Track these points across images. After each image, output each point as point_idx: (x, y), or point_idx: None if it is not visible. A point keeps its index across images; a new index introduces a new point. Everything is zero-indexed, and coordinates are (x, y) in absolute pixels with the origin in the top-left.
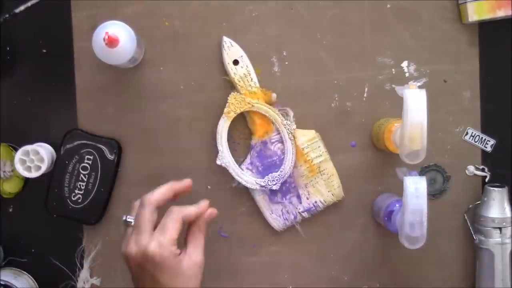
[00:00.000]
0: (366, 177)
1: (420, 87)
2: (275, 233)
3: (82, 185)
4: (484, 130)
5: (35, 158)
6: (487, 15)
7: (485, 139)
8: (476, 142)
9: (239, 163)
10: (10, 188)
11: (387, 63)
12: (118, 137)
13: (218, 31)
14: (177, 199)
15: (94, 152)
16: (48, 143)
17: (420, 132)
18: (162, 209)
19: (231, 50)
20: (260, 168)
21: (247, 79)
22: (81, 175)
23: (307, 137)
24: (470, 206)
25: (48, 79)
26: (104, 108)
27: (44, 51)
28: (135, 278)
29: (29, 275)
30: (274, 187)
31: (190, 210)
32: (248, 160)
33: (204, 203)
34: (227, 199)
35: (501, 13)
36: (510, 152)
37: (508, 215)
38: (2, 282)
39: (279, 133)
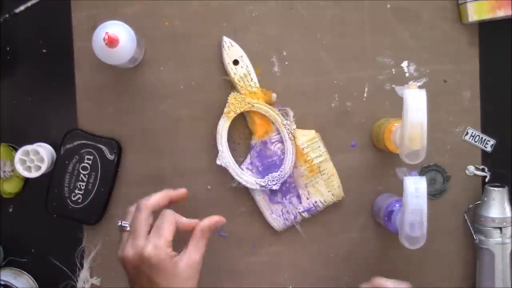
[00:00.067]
0: (366, 177)
1: (420, 87)
2: (275, 233)
3: (82, 185)
4: (484, 130)
5: (35, 158)
6: (487, 15)
7: (485, 139)
8: (476, 142)
9: (239, 163)
10: (10, 188)
11: (387, 63)
12: (118, 137)
13: (218, 31)
14: (171, 205)
15: (94, 152)
16: (48, 143)
17: (420, 132)
18: (156, 214)
19: (231, 50)
20: (260, 168)
21: (247, 79)
22: (81, 175)
23: (307, 137)
24: (470, 206)
25: (48, 79)
26: (104, 108)
27: (44, 51)
28: (132, 281)
29: (29, 275)
30: (274, 187)
31: (184, 219)
32: (248, 160)
33: (196, 222)
34: (227, 199)
35: (501, 13)
36: (510, 152)
37: (508, 215)
38: (2, 282)
39: (279, 133)
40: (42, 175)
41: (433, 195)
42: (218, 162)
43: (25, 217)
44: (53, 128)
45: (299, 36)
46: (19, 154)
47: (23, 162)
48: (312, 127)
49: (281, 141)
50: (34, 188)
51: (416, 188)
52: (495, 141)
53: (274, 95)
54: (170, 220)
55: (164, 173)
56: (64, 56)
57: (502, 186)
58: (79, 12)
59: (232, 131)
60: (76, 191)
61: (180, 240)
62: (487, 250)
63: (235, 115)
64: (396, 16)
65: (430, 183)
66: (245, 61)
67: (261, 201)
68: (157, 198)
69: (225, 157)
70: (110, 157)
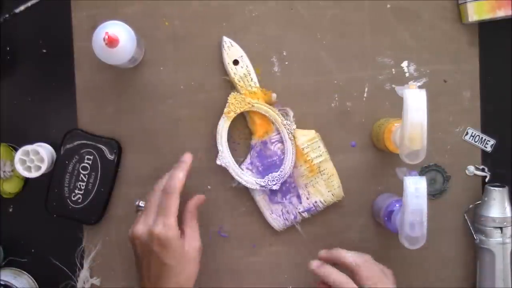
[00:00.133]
0: (366, 177)
1: (420, 87)
2: (275, 233)
3: (82, 185)
4: (484, 130)
5: (35, 158)
6: (487, 15)
7: (485, 139)
8: (476, 142)
9: (239, 163)
10: (10, 188)
11: (387, 63)
12: (118, 137)
13: (218, 31)
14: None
15: (94, 152)
16: (48, 143)
17: (420, 132)
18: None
19: (231, 50)
20: (260, 168)
21: (247, 79)
22: (81, 175)
23: (307, 137)
24: (471, 206)
25: (48, 79)
26: (104, 108)
27: (44, 51)
28: (140, 261)
29: (29, 275)
30: (274, 187)
31: (179, 180)
32: (248, 160)
33: (187, 159)
34: (227, 199)
35: (501, 13)
36: (510, 152)
37: (509, 214)
38: (2, 282)
39: (279, 133)
40: (42, 175)
41: (433, 195)
42: (218, 162)
43: (25, 217)
44: (53, 128)
45: (299, 36)
46: (19, 154)
47: (23, 162)
48: (312, 127)
49: (281, 141)
50: (34, 188)
51: (416, 188)
52: (495, 141)
53: (274, 95)
54: (175, 196)
55: (164, 173)
56: (64, 56)
57: (502, 186)
58: (79, 12)
59: (232, 131)
60: (76, 191)
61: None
62: (487, 250)
63: (235, 115)
64: (396, 16)
65: (430, 183)
66: (245, 61)
67: (261, 201)
68: (182, 181)
69: (225, 157)
70: (110, 157)
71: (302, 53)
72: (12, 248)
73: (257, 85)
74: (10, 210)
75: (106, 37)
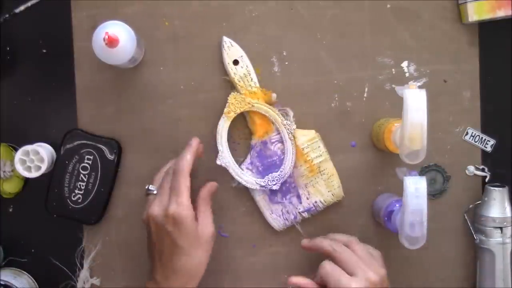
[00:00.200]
0: (366, 177)
1: (420, 87)
2: (275, 233)
3: (82, 185)
4: (484, 130)
5: (35, 158)
6: (487, 15)
7: (485, 139)
8: (476, 142)
9: (239, 163)
10: (10, 188)
11: (387, 63)
12: (118, 137)
13: (218, 31)
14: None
15: (94, 152)
16: (48, 143)
17: (420, 132)
18: None
19: (231, 50)
20: (260, 168)
21: (247, 79)
22: (81, 175)
23: (307, 137)
24: (471, 206)
25: (48, 79)
26: (104, 108)
27: (44, 51)
28: (153, 242)
29: (29, 275)
30: (274, 187)
31: (187, 161)
32: (248, 160)
33: (194, 143)
34: (227, 199)
35: (501, 13)
36: (510, 152)
37: (509, 214)
38: (2, 282)
39: (279, 133)
40: (42, 175)
41: (433, 195)
42: (218, 162)
43: (25, 217)
44: (53, 128)
45: (299, 36)
46: (19, 154)
47: (23, 162)
48: (312, 127)
49: (281, 141)
50: (34, 188)
51: (416, 188)
52: (495, 141)
53: (274, 95)
54: (185, 176)
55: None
56: (64, 56)
57: (502, 186)
58: (79, 12)
59: (232, 131)
60: (76, 191)
61: None
62: (487, 250)
63: (235, 115)
64: (396, 16)
65: (430, 183)
66: (245, 61)
67: (261, 201)
68: (190, 162)
69: (225, 157)
70: (110, 157)
71: (302, 53)
72: (12, 248)
73: (257, 85)
74: (10, 210)
75: (106, 37)
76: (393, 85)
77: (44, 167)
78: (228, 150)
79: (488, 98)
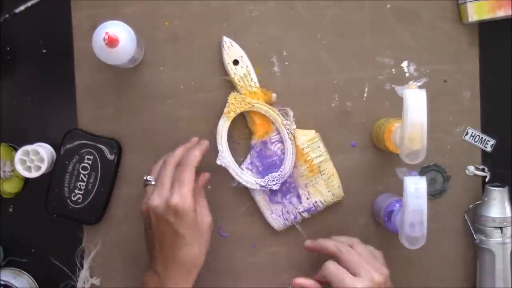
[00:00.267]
0: (366, 177)
1: (420, 87)
2: (275, 233)
3: (82, 185)
4: (484, 130)
5: (35, 158)
6: (487, 15)
7: (485, 139)
8: (476, 142)
9: (239, 163)
10: (10, 188)
11: (387, 63)
12: (118, 137)
13: (218, 31)
14: None
15: (94, 152)
16: (48, 143)
17: (420, 132)
18: None
19: (231, 50)
20: (260, 168)
21: (247, 79)
22: (81, 175)
23: (307, 137)
24: (471, 206)
25: (48, 79)
26: (104, 108)
27: (44, 51)
28: (153, 233)
29: (29, 275)
30: (274, 187)
31: (196, 156)
32: (248, 160)
33: (195, 140)
34: (227, 199)
35: (501, 13)
36: (510, 152)
37: (509, 214)
38: (2, 282)
39: (279, 133)
40: (42, 175)
41: (433, 195)
42: (218, 162)
43: (25, 217)
44: (53, 128)
45: (299, 36)
46: (19, 154)
47: (23, 162)
48: (312, 127)
49: (281, 141)
50: (34, 188)
51: (416, 188)
52: (495, 141)
53: (274, 95)
54: (190, 170)
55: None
56: (64, 56)
57: (502, 186)
58: (79, 12)
59: (232, 131)
60: (76, 191)
61: None
62: (487, 250)
63: (235, 115)
64: (396, 16)
65: (430, 183)
66: (245, 61)
67: (261, 201)
68: (180, 154)
69: (225, 157)
70: (110, 157)
71: (302, 53)
72: (12, 248)
73: (257, 85)
74: (10, 210)
75: (106, 37)
76: (393, 85)
77: (44, 167)
78: (228, 150)
79: (488, 98)
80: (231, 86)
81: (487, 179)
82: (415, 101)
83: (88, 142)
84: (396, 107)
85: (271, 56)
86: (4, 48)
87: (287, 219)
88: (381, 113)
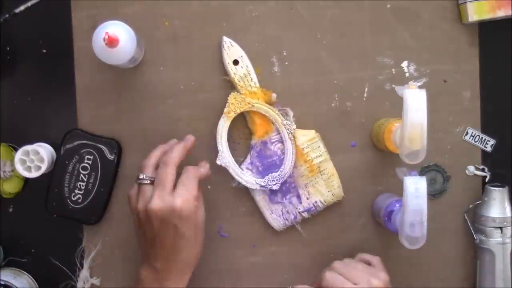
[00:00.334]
0: (366, 177)
1: (420, 87)
2: (275, 233)
3: (82, 185)
4: (484, 130)
5: (35, 158)
6: (487, 15)
7: (485, 139)
8: (476, 142)
9: (239, 163)
10: (10, 188)
11: (387, 63)
12: (118, 137)
13: (218, 31)
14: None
15: (94, 152)
16: (48, 143)
17: (420, 132)
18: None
19: (231, 50)
20: (260, 168)
21: (247, 79)
22: (81, 175)
23: (307, 137)
24: (470, 206)
25: (48, 79)
26: (104, 108)
27: (44, 51)
28: (153, 236)
29: (29, 275)
30: (274, 187)
31: (202, 172)
32: (248, 160)
33: (206, 165)
34: (227, 199)
35: (501, 13)
36: (510, 152)
37: (509, 214)
38: (2, 282)
39: (279, 133)
40: (42, 175)
41: (433, 195)
42: (218, 162)
43: (25, 217)
44: (53, 128)
45: (299, 36)
46: (19, 154)
47: (23, 162)
48: (312, 127)
49: (281, 141)
50: (34, 188)
51: (416, 188)
52: (495, 141)
53: (274, 95)
54: (195, 175)
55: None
56: (64, 56)
57: (502, 186)
58: (79, 12)
59: (232, 131)
60: (76, 191)
61: None
62: (487, 250)
63: (235, 115)
64: (396, 16)
65: (430, 183)
66: (245, 61)
67: (261, 201)
68: (179, 153)
69: (225, 157)
70: (110, 157)
71: (302, 53)
72: (12, 248)
73: (257, 85)
74: (10, 210)
75: (106, 37)
76: (393, 85)
77: (44, 167)
78: (228, 150)
79: (488, 98)
80: (231, 86)
81: (487, 179)
82: (415, 101)
83: (88, 142)
84: (396, 107)
85: (271, 56)
86: (4, 48)
87: (287, 219)
88: (381, 113)
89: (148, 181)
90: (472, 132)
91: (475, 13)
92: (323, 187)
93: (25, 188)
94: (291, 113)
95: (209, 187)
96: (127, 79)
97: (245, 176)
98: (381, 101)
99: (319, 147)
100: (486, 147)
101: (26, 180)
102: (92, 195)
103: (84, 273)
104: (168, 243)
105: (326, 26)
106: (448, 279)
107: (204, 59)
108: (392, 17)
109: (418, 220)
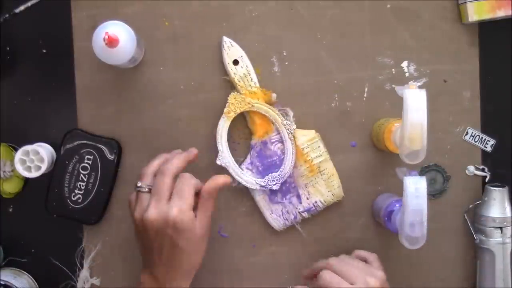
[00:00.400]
0: (366, 177)
1: (420, 87)
2: (275, 233)
3: (82, 185)
4: (484, 130)
5: (35, 158)
6: (487, 15)
7: (485, 139)
8: (476, 142)
9: (239, 163)
10: (10, 188)
11: (387, 63)
12: (118, 137)
13: (218, 31)
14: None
15: (94, 152)
16: (48, 143)
17: (420, 132)
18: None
19: (231, 50)
20: (260, 168)
21: (247, 79)
22: (81, 175)
23: (307, 137)
24: (471, 206)
25: (48, 79)
26: (104, 108)
27: (44, 51)
28: (151, 244)
29: (29, 275)
30: (274, 187)
31: (200, 183)
32: (248, 160)
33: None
34: (227, 199)
35: (501, 13)
36: (510, 152)
37: (509, 214)
38: (2, 282)
39: (279, 133)
40: (42, 175)
41: (433, 195)
42: (218, 162)
43: (25, 217)
44: (53, 128)
45: (299, 36)
46: (19, 154)
47: (23, 162)
48: (312, 127)
49: (281, 141)
50: (34, 188)
51: (416, 188)
52: (495, 141)
53: (274, 95)
54: (192, 185)
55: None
56: (64, 56)
57: (502, 186)
58: (79, 12)
59: (232, 131)
60: (76, 191)
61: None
62: (487, 250)
63: (235, 115)
64: (396, 16)
65: (430, 183)
66: (245, 61)
67: (261, 201)
68: (179, 164)
69: (225, 157)
70: (110, 157)
71: (302, 53)
72: (12, 248)
73: (257, 85)
74: (10, 210)
75: (106, 37)
76: (393, 85)
77: (44, 167)
78: (228, 150)
79: (488, 98)
80: (231, 86)
81: (487, 179)
82: (415, 101)
83: (88, 142)
84: (396, 107)
85: (271, 56)
86: (4, 48)
87: (287, 219)
88: (381, 113)
89: (146, 189)
90: (472, 132)
91: (475, 13)
92: (323, 187)
93: (25, 188)
94: (291, 113)
95: None
96: (127, 79)
97: (245, 176)
98: (381, 101)
99: (319, 147)
100: (486, 147)
101: (26, 180)
102: (92, 195)
103: (84, 273)
104: (165, 252)
105: (326, 26)
106: (448, 279)
107: (204, 59)
108: (392, 17)
109: (418, 220)
